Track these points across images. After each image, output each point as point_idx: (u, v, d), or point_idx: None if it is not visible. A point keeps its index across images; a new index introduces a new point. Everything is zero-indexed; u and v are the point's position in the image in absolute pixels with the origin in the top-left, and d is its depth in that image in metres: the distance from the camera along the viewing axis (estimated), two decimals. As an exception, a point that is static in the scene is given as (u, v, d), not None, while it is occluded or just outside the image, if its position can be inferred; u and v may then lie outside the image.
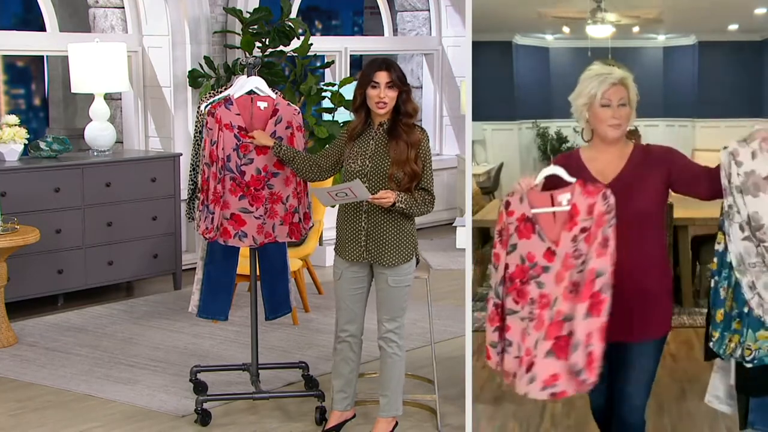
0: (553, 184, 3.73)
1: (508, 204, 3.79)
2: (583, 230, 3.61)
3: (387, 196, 4.33)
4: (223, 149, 4.76)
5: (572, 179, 3.68)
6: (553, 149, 4.23)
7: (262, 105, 4.82)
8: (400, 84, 4.40)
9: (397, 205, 4.35)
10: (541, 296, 3.66)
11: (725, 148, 3.56)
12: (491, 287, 3.81)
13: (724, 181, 3.56)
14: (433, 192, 4.45)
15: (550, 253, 3.66)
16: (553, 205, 3.69)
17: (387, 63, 4.43)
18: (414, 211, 4.40)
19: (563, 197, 3.66)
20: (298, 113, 4.91)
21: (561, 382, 3.60)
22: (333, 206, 4.59)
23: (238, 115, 4.80)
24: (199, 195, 4.84)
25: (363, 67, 4.52)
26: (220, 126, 4.76)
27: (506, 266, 3.76)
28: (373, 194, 4.34)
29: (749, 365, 3.56)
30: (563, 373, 3.60)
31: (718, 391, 3.80)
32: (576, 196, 3.64)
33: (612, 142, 3.78)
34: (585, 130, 3.85)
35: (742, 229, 3.51)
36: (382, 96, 4.38)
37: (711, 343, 3.64)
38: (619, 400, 3.83)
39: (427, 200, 4.43)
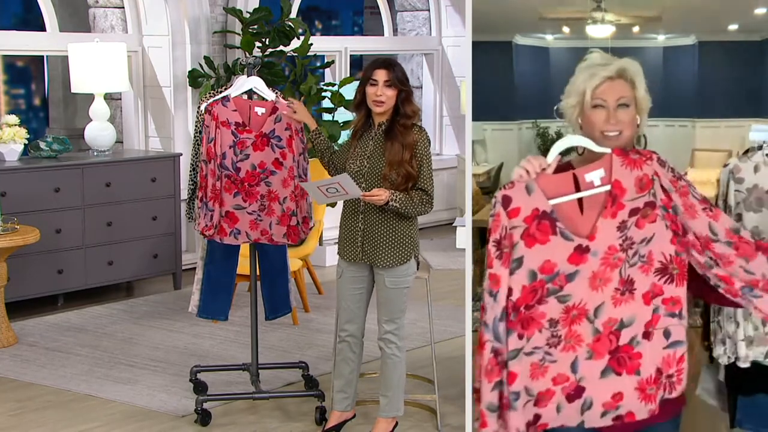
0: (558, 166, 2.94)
1: (507, 201, 2.83)
2: (634, 212, 2.80)
3: (379, 194, 4.32)
4: (219, 146, 4.77)
5: (605, 149, 2.85)
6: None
7: (260, 111, 4.83)
8: (399, 84, 4.40)
9: (390, 203, 4.35)
10: (566, 311, 2.82)
11: (726, 165, 3.48)
12: (484, 325, 2.85)
13: (720, 200, 3.46)
14: (431, 192, 4.44)
15: (579, 253, 2.80)
16: (578, 188, 2.82)
17: (387, 62, 4.43)
18: (410, 211, 4.39)
19: (594, 175, 2.82)
20: (298, 115, 4.91)
21: (626, 402, 2.86)
22: (332, 205, 4.59)
23: (235, 111, 4.80)
24: (198, 193, 4.86)
25: (366, 66, 4.53)
26: (216, 123, 4.77)
27: (509, 291, 2.83)
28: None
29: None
30: (628, 389, 2.86)
31: (708, 384, 3.68)
32: (616, 171, 2.81)
33: None
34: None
35: None
36: (379, 94, 4.39)
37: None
38: None
39: (424, 200, 4.42)
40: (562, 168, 2.91)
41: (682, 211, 2.79)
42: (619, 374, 2.83)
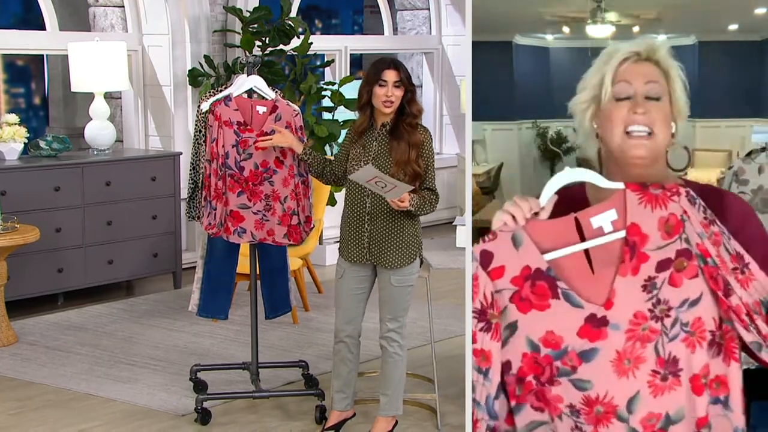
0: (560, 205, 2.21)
1: (487, 257, 2.22)
2: (664, 265, 2.09)
3: (404, 203, 4.33)
4: (223, 146, 4.78)
5: (617, 185, 2.15)
6: (554, 151, 4.22)
7: (261, 110, 4.83)
8: (407, 84, 4.42)
9: (409, 207, 4.36)
10: (587, 403, 2.15)
11: (731, 168, 3.48)
12: (476, 403, 2.24)
13: None
14: (437, 191, 4.47)
15: (594, 326, 2.11)
16: (583, 237, 2.14)
17: (396, 62, 4.45)
18: (423, 211, 4.42)
19: (602, 218, 2.12)
20: (297, 115, 4.91)
21: None
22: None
23: (237, 110, 4.81)
24: (202, 191, 4.87)
25: (370, 65, 4.52)
26: (219, 123, 4.77)
27: (505, 366, 2.22)
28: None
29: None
30: None
31: None
32: (632, 211, 2.11)
33: (637, 169, 2.20)
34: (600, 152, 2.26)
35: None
36: (389, 95, 4.39)
37: None
38: None
39: (433, 200, 4.46)
40: (573, 193, 2.19)
41: (720, 264, 2.08)
42: None
